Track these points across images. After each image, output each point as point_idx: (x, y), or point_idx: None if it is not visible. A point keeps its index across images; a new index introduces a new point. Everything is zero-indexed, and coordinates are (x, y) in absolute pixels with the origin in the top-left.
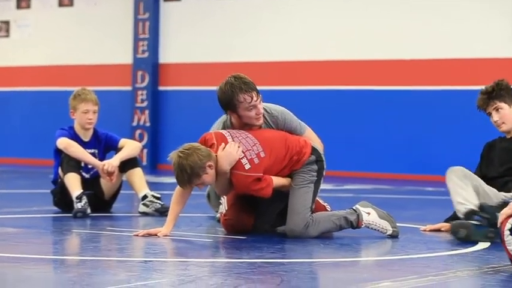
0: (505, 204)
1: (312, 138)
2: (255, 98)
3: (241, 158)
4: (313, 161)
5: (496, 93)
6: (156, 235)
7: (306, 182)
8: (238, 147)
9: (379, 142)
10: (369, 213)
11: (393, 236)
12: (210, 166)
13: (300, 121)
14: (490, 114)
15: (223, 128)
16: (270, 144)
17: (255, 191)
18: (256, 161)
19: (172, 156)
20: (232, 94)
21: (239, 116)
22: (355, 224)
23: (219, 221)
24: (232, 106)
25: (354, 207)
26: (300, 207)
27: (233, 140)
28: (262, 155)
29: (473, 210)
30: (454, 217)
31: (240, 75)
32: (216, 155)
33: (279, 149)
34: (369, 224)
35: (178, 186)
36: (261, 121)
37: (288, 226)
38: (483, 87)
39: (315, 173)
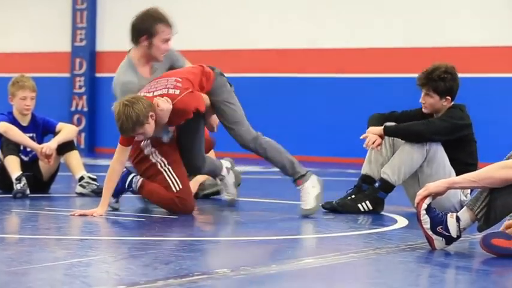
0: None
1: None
2: (171, 34)
3: (167, 92)
4: (219, 73)
5: (435, 81)
6: (92, 215)
7: (231, 94)
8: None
9: (306, 126)
10: (313, 187)
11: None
12: (152, 116)
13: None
14: (421, 91)
15: (132, 71)
16: (177, 74)
17: (196, 102)
18: (179, 84)
19: (117, 105)
20: (154, 22)
21: (150, 46)
22: (295, 177)
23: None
24: (150, 34)
25: (310, 171)
26: (240, 117)
27: (151, 91)
28: (179, 80)
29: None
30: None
31: (160, 9)
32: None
33: (187, 73)
34: (303, 191)
35: (111, 164)
36: (162, 59)
37: (238, 133)
38: (433, 65)
39: (228, 84)
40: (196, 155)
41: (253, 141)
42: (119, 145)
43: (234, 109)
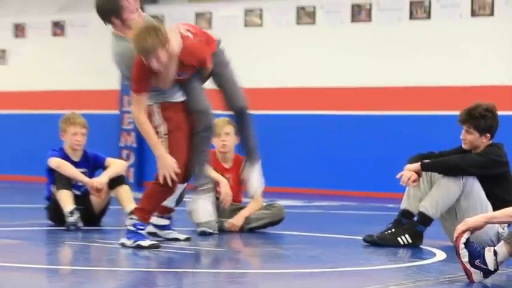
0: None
1: None
2: (138, 3)
3: (180, 32)
4: (219, 41)
5: (476, 118)
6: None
7: (228, 61)
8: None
9: (346, 162)
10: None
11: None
12: (169, 45)
13: None
14: (462, 128)
15: (124, 40)
16: (185, 24)
17: (206, 53)
18: (191, 29)
19: (141, 25)
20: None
21: (123, 22)
22: (256, 157)
23: (199, 234)
24: (117, 11)
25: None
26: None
27: None
28: (190, 28)
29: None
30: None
31: None
32: None
33: (194, 27)
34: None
35: (137, 117)
36: None
37: (238, 92)
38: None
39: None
40: (205, 99)
41: (246, 107)
42: (133, 95)
43: (233, 73)
